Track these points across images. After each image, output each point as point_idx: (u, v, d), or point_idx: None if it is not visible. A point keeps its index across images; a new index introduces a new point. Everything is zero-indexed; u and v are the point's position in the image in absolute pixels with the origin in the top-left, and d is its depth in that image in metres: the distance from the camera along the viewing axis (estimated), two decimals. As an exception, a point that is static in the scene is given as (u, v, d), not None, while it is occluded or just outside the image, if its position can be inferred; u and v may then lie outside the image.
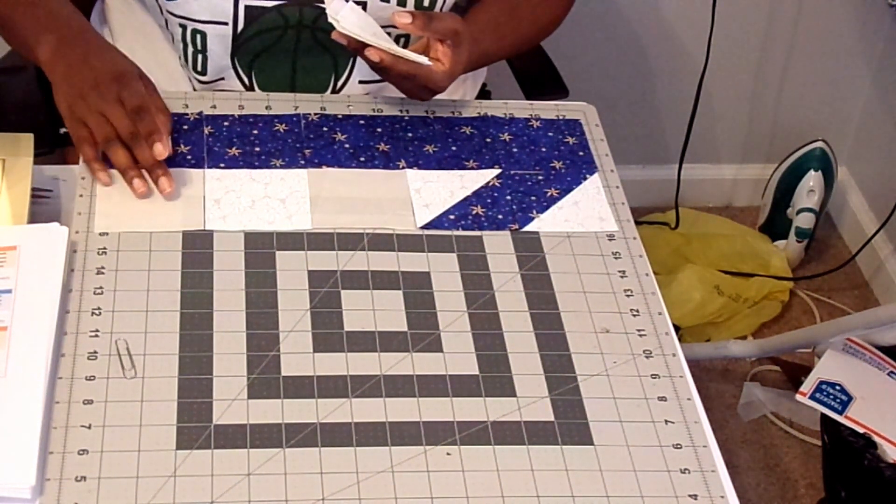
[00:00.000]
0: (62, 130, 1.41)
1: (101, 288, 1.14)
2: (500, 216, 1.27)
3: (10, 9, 1.36)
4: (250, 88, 1.43)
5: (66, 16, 1.34)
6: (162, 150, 1.23)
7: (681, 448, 1.07)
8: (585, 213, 1.29)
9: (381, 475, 1.01)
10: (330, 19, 1.26)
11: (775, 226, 2.52)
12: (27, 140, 1.24)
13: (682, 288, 2.30)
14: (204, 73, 1.41)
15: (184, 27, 1.37)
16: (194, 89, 1.44)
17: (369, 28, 1.26)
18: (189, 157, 1.28)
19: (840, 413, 1.79)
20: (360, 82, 1.44)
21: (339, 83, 1.44)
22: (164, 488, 0.98)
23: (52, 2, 1.35)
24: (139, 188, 1.23)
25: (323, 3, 1.36)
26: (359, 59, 1.42)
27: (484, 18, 1.42)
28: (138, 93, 1.26)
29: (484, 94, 1.65)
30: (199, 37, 1.37)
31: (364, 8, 1.36)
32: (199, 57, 1.40)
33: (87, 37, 1.32)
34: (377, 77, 1.37)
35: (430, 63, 1.27)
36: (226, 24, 1.36)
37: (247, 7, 1.35)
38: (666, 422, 1.09)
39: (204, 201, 1.23)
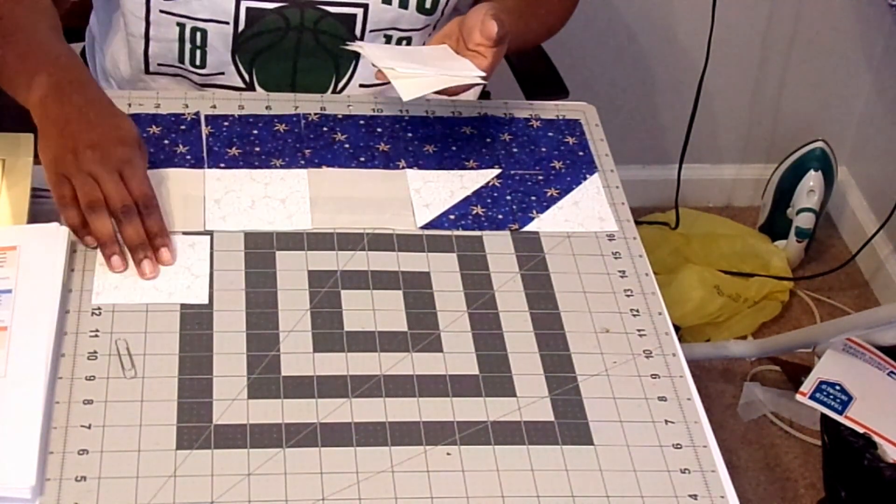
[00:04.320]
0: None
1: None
2: (500, 216, 1.27)
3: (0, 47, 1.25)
4: (250, 85, 1.43)
5: (64, 58, 1.23)
6: (170, 257, 1.15)
7: (681, 448, 1.07)
8: (585, 213, 1.29)
9: (381, 475, 1.01)
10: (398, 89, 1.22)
11: (775, 226, 2.52)
12: (27, 140, 1.24)
13: (682, 288, 2.30)
14: (203, 66, 1.41)
15: (182, 25, 1.37)
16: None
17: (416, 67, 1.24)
18: (189, 157, 1.28)
19: (840, 413, 1.79)
20: (361, 86, 1.44)
21: (340, 85, 1.44)
22: (164, 488, 0.98)
23: (47, 42, 1.26)
24: (118, 266, 1.12)
25: (321, 4, 1.36)
26: (360, 63, 1.42)
27: (508, 5, 1.39)
28: (140, 174, 1.14)
29: (484, 94, 1.65)
30: (198, 34, 1.37)
31: (366, 11, 1.36)
32: (199, 52, 1.39)
33: (85, 85, 1.21)
34: (378, 81, 1.37)
35: (481, 75, 1.24)
36: (227, 23, 1.36)
37: (248, 8, 1.35)
38: (666, 422, 1.09)
39: (204, 201, 1.23)
